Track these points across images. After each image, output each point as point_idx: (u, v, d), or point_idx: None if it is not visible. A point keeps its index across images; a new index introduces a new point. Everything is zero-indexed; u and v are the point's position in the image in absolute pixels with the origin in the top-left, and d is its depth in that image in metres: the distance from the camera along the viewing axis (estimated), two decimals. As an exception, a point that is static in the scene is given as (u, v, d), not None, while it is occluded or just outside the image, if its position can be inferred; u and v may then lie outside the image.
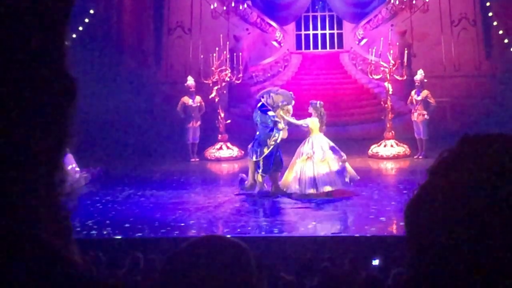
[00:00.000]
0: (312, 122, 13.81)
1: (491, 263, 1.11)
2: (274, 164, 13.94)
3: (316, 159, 13.52)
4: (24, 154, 1.02)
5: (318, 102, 14.08)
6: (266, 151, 13.82)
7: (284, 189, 13.82)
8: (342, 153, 13.79)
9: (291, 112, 14.01)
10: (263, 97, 14.05)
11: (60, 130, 1.06)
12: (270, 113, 13.80)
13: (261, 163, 13.85)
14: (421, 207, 1.20)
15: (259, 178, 13.94)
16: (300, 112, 14.51)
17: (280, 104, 13.80)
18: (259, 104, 14.11)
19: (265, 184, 14.07)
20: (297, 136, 14.29)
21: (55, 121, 1.05)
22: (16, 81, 1.01)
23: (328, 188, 13.48)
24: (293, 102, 14.10)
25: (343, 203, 13.24)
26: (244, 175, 14.31)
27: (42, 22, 1.04)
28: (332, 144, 13.87)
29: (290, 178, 13.77)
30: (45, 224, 1.03)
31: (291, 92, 14.44)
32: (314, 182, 13.45)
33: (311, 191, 13.45)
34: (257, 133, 14.09)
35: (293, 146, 14.12)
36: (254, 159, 13.92)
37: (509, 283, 1.11)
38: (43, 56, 1.04)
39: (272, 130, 13.80)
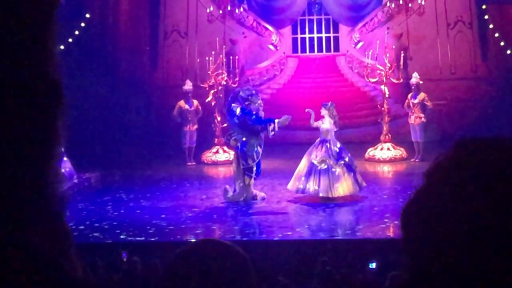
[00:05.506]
0: (327, 124, 13.62)
1: (487, 266, 1.11)
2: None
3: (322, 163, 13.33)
4: (14, 155, 1.01)
5: (330, 103, 13.95)
6: (260, 150, 13.60)
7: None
8: (346, 160, 13.56)
9: (262, 104, 13.74)
10: (233, 103, 13.52)
11: (50, 132, 1.05)
12: (253, 105, 13.40)
13: (254, 166, 13.60)
14: (417, 210, 1.20)
15: (252, 182, 13.70)
16: (297, 115, 14.48)
17: (250, 98, 13.42)
18: (237, 110, 13.42)
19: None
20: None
21: (43, 124, 1.05)
22: (1, 86, 1.01)
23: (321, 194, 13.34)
24: (259, 95, 14.00)
25: (339, 206, 13.22)
26: (228, 186, 14.00)
27: (26, 29, 1.04)
28: (336, 149, 13.62)
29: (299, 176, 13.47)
30: (37, 226, 1.02)
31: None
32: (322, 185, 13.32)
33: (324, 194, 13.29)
34: (243, 139, 13.49)
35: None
36: (251, 163, 13.53)
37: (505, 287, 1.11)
38: (27, 62, 1.03)
39: (260, 122, 13.27)
